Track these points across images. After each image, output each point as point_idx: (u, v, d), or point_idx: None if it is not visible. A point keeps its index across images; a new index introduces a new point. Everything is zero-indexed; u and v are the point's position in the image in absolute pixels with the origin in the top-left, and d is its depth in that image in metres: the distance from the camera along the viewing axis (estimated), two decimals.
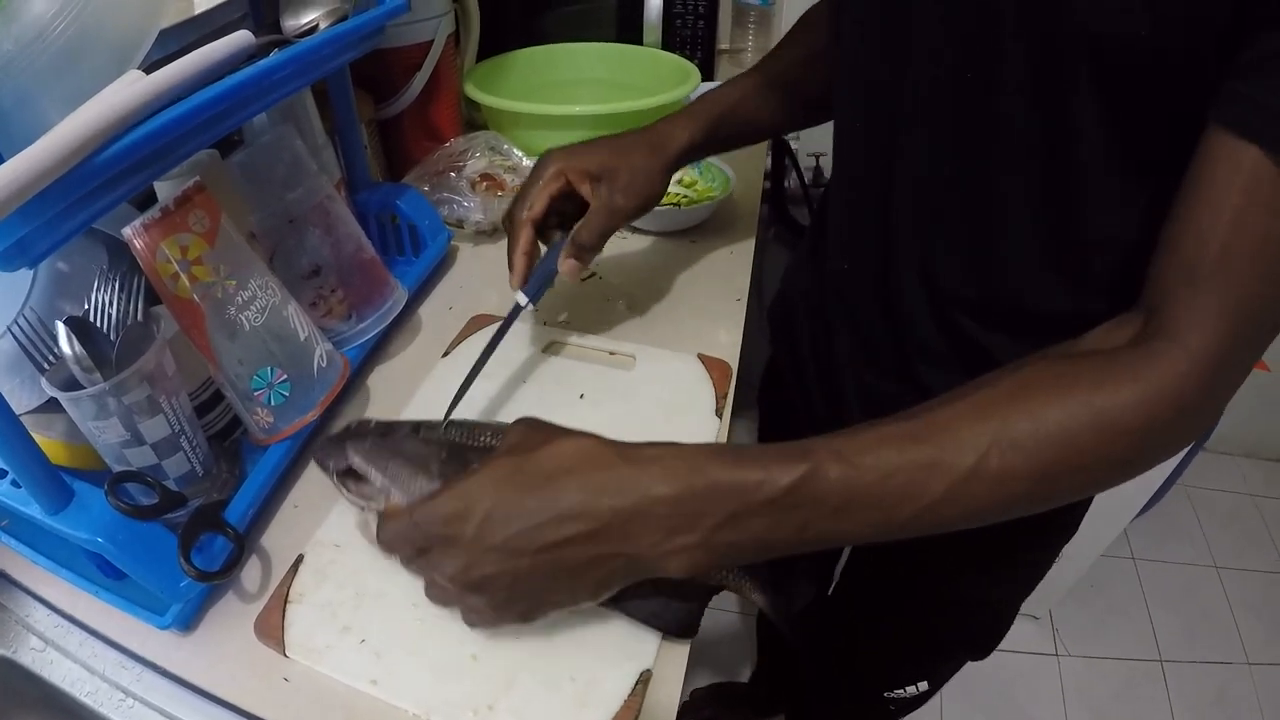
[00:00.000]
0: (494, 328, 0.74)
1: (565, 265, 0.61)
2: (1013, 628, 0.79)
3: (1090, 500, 0.65)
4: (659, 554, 0.38)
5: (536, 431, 0.42)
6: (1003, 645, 1.62)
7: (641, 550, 0.38)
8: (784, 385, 0.77)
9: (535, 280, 0.62)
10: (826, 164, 1.41)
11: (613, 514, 0.37)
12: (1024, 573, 0.72)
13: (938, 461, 0.36)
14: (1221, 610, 1.80)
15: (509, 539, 0.38)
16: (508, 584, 0.40)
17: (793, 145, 1.25)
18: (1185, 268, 0.37)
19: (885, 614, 0.81)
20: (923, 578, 0.73)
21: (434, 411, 0.56)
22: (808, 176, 1.29)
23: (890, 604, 0.80)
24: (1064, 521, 0.67)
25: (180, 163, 0.47)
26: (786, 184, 1.27)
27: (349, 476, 0.51)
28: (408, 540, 0.42)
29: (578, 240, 0.60)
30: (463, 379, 0.58)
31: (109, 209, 0.41)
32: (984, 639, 0.79)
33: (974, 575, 0.70)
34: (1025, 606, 0.80)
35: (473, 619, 0.45)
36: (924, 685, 0.85)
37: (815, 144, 1.39)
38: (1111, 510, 1.42)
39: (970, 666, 0.87)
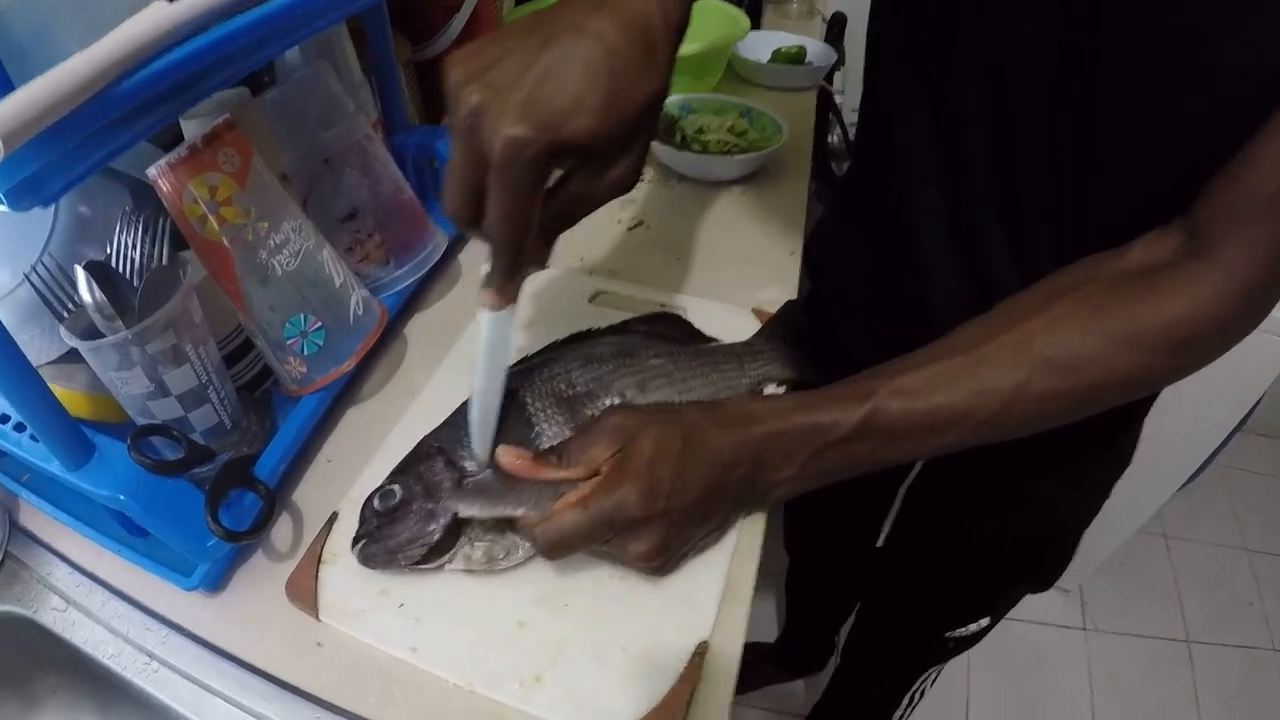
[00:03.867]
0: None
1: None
2: (1042, 601, 0.80)
3: (1140, 428, 0.66)
4: (771, 483, 0.47)
5: (657, 417, 0.47)
6: (1031, 617, 1.64)
7: (765, 475, 0.47)
8: (828, 321, 0.74)
9: None
10: None
11: (750, 451, 0.46)
12: (1086, 500, 0.71)
13: (982, 390, 0.43)
14: (1250, 595, 1.78)
15: (697, 497, 0.44)
16: (689, 529, 0.46)
17: (837, 99, 1.21)
18: (1244, 196, 0.39)
19: (947, 555, 0.80)
20: (986, 515, 0.72)
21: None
22: (851, 133, 1.25)
23: (952, 545, 0.79)
24: (1121, 450, 0.67)
25: (206, 98, 0.44)
26: (830, 139, 1.23)
27: (384, 517, 0.47)
28: (590, 538, 0.43)
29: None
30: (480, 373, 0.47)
31: (128, 145, 0.39)
32: (1048, 570, 0.78)
33: (1038, 507, 0.69)
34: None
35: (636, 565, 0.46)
36: (985, 621, 0.85)
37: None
38: (1149, 488, 1.39)
39: (997, 637, 0.89)
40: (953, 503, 0.75)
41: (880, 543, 0.92)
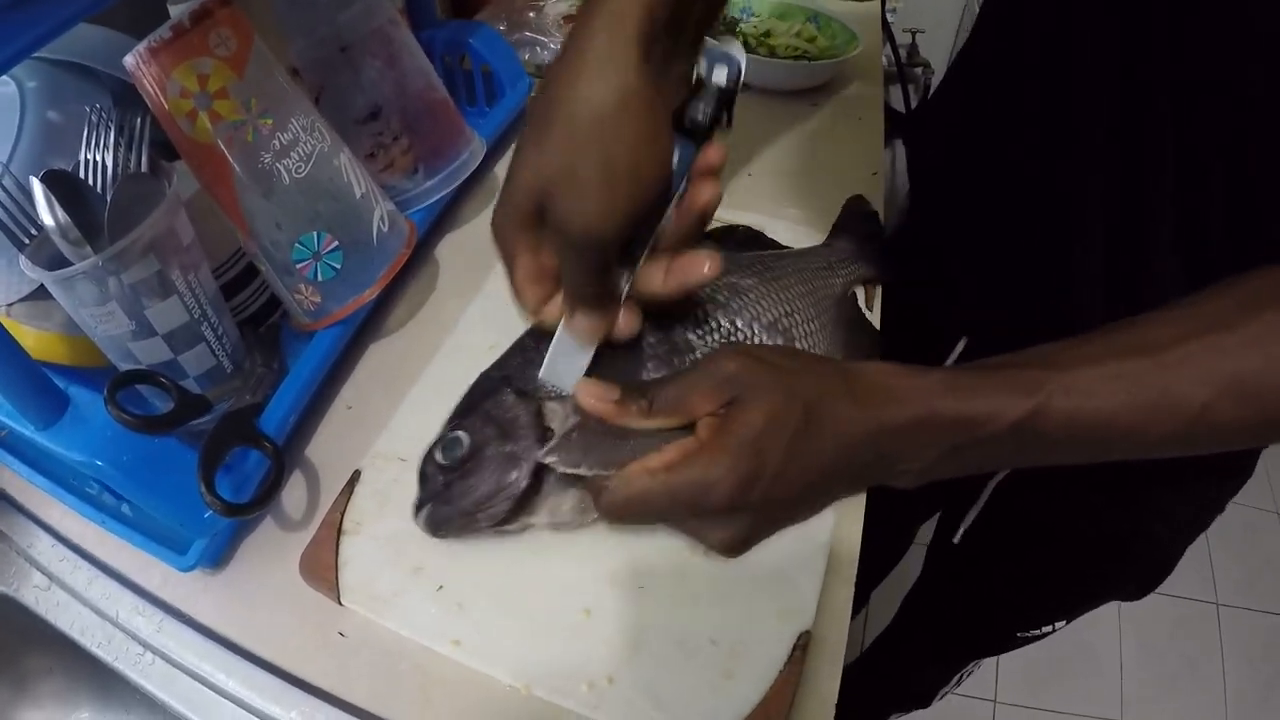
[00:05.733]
0: None
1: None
2: None
3: None
4: (890, 475, 0.40)
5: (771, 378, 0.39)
6: None
7: (887, 467, 0.40)
8: (931, 250, 0.71)
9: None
10: (924, 41, 1.34)
11: (884, 440, 0.39)
12: (1205, 512, 0.68)
13: (1163, 404, 0.38)
14: None
15: (804, 488, 0.38)
16: (783, 523, 0.40)
17: (889, 19, 1.13)
18: None
19: (1042, 558, 0.77)
20: (1095, 520, 0.69)
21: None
22: (903, 54, 1.18)
23: (1044, 542, 0.76)
24: (1246, 465, 0.64)
25: None
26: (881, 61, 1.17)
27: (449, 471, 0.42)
28: (664, 515, 0.38)
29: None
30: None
31: (61, 26, 0.34)
32: (1146, 581, 0.75)
33: (1157, 517, 0.65)
34: None
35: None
36: (1061, 624, 0.83)
37: (913, 19, 1.31)
38: None
39: None
40: (1057, 505, 0.72)
41: (958, 539, 0.87)
